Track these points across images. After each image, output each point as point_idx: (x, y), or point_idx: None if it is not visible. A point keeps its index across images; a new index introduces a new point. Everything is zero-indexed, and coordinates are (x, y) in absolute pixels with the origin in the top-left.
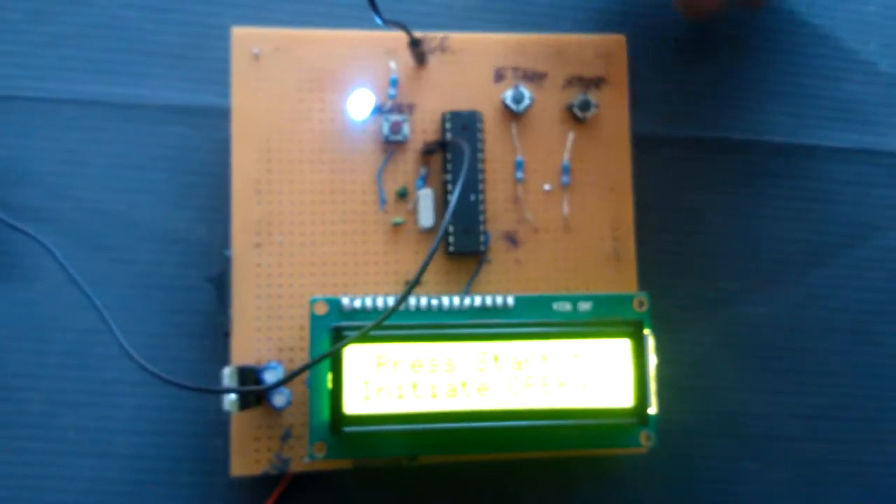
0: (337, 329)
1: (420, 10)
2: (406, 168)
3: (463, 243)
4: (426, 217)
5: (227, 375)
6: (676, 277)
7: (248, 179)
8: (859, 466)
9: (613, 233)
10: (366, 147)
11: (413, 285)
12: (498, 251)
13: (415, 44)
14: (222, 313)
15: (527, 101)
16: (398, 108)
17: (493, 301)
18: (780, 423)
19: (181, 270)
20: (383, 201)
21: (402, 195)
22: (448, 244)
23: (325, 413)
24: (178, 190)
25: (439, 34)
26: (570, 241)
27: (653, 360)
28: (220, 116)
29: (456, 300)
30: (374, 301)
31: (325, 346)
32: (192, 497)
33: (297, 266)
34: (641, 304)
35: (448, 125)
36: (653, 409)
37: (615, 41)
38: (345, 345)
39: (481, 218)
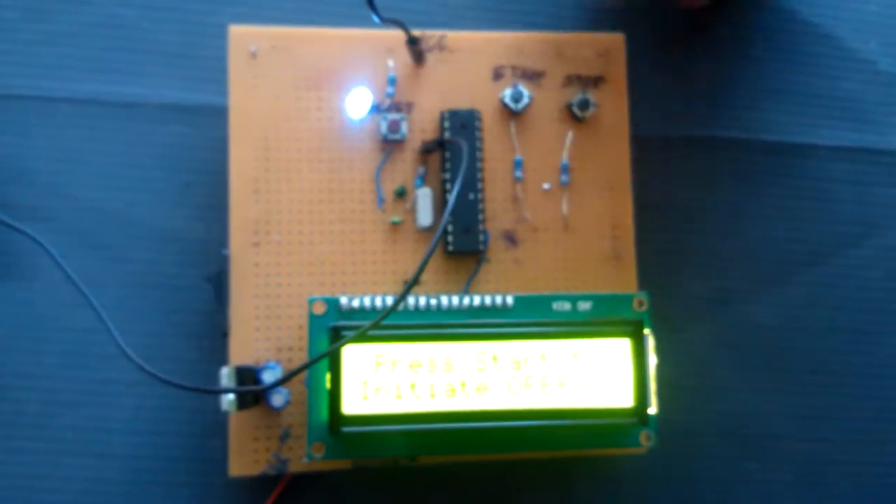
0: (335, 329)
1: (418, 9)
2: (404, 167)
3: (462, 243)
4: (425, 216)
5: (225, 375)
6: (676, 277)
7: (246, 178)
8: (859, 466)
9: (613, 232)
10: (364, 146)
11: (411, 285)
12: (497, 250)
13: (413, 42)
14: (220, 313)
15: (525, 100)
16: (396, 107)
17: (493, 301)
18: (780, 423)
19: (179, 270)
20: (381, 200)
21: (401, 194)
22: (447, 243)
23: (323, 413)
24: (176, 189)
25: (437, 32)
26: (570, 240)
27: (653, 360)
28: (217, 115)
29: (455, 300)
30: (372, 301)
31: (323, 345)
32: (191, 497)
33: (296, 265)
34: (641, 303)
35: (447, 124)
36: (653, 409)
37: (614, 40)
38: (343, 344)
39: (480, 217)
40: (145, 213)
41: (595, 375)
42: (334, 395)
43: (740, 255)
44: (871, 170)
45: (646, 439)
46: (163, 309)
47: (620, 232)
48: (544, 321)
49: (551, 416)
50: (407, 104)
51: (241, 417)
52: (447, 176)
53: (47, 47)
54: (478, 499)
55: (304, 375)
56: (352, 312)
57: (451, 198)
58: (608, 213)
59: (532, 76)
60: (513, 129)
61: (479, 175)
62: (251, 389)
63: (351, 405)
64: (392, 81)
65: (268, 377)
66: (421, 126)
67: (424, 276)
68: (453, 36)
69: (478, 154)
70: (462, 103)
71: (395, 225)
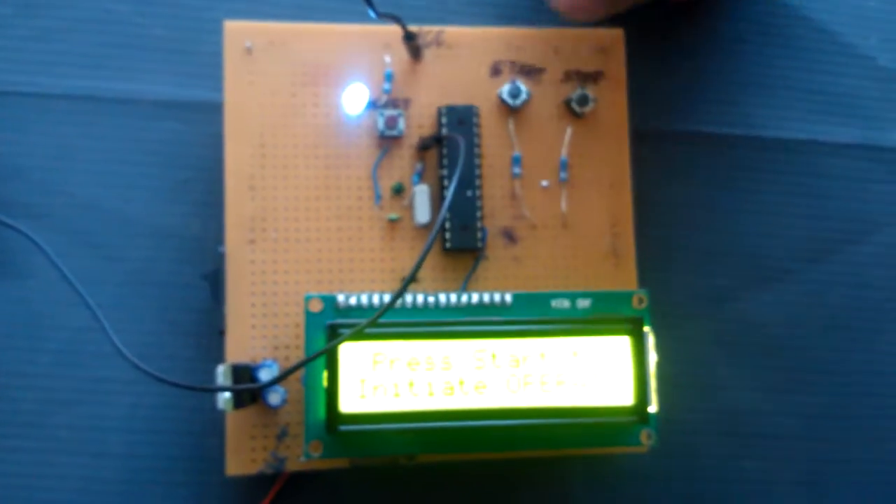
0: (332, 326)
1: (415, 4)
2: (402, 163)
3: (460, 240)
4: (422, 213)
5: (221, 374)
6: (676, 274)
7: (242, 175)
8: (860, 465)
9: (612, 229)
10: (361, 142)
11: (408, 282)
12: (495, 248)
13: (410, 38)
14: (217, 311)
15: (524, 96)
16: (393, 103)
17: (491, 298)
18: (780, 421)
19: (175, 267)
20: (379, 197)
21: (398, 191)
22: (445, 240)
23: (320, 412)
24: (172, 185)
25: (435, 28)
26: (569, 237)
27: (653, 358)
28: (213, 111)
29: (453, 297)
30: (369, 298)
31: (320, 343)
32: (188, 496)
33: (292, 263)
34: (641, 300)
35: (444, 120)
36: (653, 408)
37: (613, 35)
38: (340, 342)
39: (478, 214)
40: (141, 211)
41: (595, 373)
42: (331, 393)
43: (739, 252)
44: (870, 167)
45: (646, 438)
46: (159, 307)
47: (620, 229)
48: (543, 319)
49: (550, 415)
50: (404, 100)
51: (238, 416)
52: (445, 172)
53: (41, 43)
54: (477, 498)
55: (301, 374)
56: (349, 310)
57: (448, 194)
58: (607, 210)
59: (530, 72)
60: (511, 126)
61: (477, 172)
62: (247, 388)
63: (348, 403)
64: (389, 77)
65: (264, 375)
66: (418, 122)
67: (422, 274)
68: (451, 31)
69: (476, 150)
70: (460, 99)
71: (392, 222)
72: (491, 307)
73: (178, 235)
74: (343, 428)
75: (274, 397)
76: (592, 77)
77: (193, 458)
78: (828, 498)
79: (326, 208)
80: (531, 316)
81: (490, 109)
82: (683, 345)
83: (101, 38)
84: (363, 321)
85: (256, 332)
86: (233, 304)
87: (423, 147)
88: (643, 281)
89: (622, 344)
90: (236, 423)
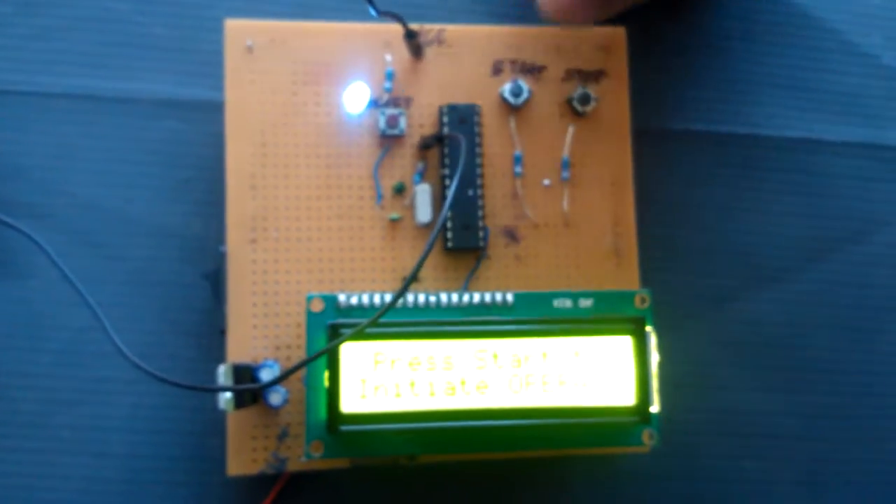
0: (333, 326)
1: (416, 2)
2: (403, 163)
3: (461, 239)
4: (424, 212)
5: (222, 374)
6: (678, 273)
7: (243, 174)
8: (860, 465)
9: (614, 228)
10: (362, 141)
11: (410, 281)
12: (497, 247)
13: (411, 36)
14: (218, 310)
15: (525, 95)
16: (395, 102)
17: (493, 298)
18: (781, 421)
19: (177, 266)
20: (380, 196)
21: (399, 190)
22: (446, 240)
23: (321, 412)
24: (173, 185)
25: (436, 26)
26: (571, 236)
27: (655, 358)
28: (214, 110)
29: (454, 297)
30: (371, 298)
31: (321, 343)
32: (189, 496)
33: (293, 262)
34: (643, 300)
35: (445, 119)
36: (655, 408)
37: (615, 33)
38: (341, 342)
39: (480, 213)
40: (142, 210)
41: (597, 373)
42: (333, 393)
43: (741, 251)
44: (874, 165)
45: (648, 438)
46: (160, 306)
47: (622, 228)
48: (545, 318)
49: (552, 415)
50: (405, 99)
51: (240, 416)
52: (446, 171)
53: (41, 42)
54: (478, 498)
55: (302, 374)
56: (350, 310)
57: (450, 193)
58: (609, 209)
59: (532, 70)
60: (512, 125)
61: (478, 171)
62: (248, 388)
63: (349, 403)
64: (390, 76)
65: (265, 375)
66: (420, 121)
67: (423, 273)
68: (452, 30)
69: (477, 150)
70: (461, 98)
71: (393, 221)
72: (492, 307)
73: (179, 235)
74: (344, 428)
75: (275, 397)
76: (594, 76)
77: (195, 458)
78: (828, 498)
79: (328, 207)
80: (533, 316)
81: (491, 108)
82: (683, 344)
83: (101, 37)
84: (364, 321)
85: (257, 331)
86: (234, 304)
87: (425, 146)
88: (645, 280)
89: (624, 344)
90: (237, 424)
